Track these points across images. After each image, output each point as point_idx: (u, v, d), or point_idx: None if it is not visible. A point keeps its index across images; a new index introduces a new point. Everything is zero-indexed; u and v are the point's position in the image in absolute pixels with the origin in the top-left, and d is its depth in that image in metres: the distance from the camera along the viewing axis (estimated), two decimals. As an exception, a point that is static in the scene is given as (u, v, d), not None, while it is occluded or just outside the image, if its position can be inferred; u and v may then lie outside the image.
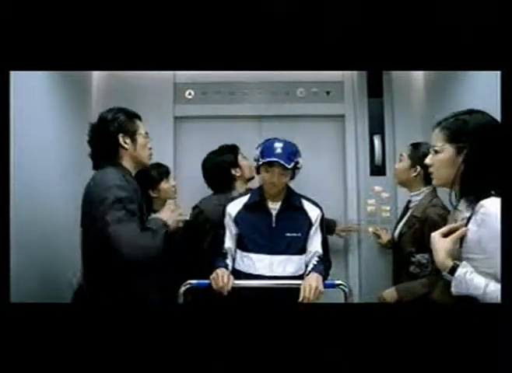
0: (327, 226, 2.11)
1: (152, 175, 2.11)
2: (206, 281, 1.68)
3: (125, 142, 1.62)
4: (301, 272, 1.79)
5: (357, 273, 2.65)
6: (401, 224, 2.05)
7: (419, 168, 1.95)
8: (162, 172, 2.17)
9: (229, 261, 1.83)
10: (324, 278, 1.71)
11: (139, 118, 1.71)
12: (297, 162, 1.80)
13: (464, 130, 1.18)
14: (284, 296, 1.65)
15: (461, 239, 1.14)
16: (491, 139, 1.15)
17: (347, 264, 2.69)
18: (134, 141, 1.64)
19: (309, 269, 1.77)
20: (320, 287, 1.62)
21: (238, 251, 1.85)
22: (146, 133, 1.70)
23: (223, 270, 1.72)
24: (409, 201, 2.08)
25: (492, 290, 1.04)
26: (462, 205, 1.20)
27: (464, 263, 1.12)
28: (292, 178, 1.85)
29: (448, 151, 1.20)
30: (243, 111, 2.76)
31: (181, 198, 2.36)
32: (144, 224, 1.55)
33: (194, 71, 2.63)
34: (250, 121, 2.78)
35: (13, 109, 1.37)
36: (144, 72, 2.58)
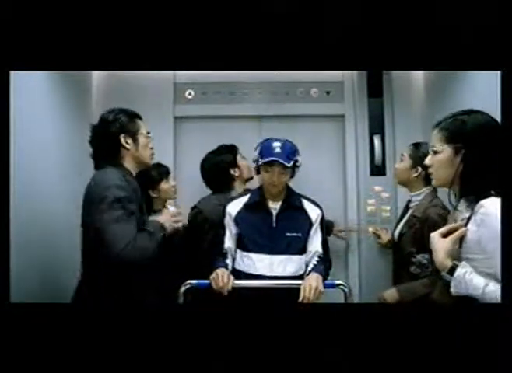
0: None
1: (152, 175, 2.11)
2: (206, 281, 1.68)
3: (127, 142, 1.63)
4: (301, 272, 1.79)
5: (357, 273, 2.65)
6: (402, 224, 2.05)
7: (420, 168, 1.94)
8: (162, 172, 2.17)
9: (229, 261, 1.83)
10: (324, 278, 1.71)
11: (140, 118, 1.71)
12: (296, 161, 1.81)
13: (462, 130, 1.18)
14: (284, 296, 1.65)
15: (461, 239, 1.14)
16: (489, 139, 1.15)
17: (347, 264, 2.69)
18: (135, 141, 1.65)
19: (309, 269, 1.77)
20: (321, 287, 1.62)
21: (238, 251, 1.85)
22: (148, 132, 1.70)
23: (223, 270, 1.72)
24: (409, 201, 2.07)
25: (491, 290, 1.05)
26: (462, 205, 1.20)
27: (463, 263, 1.12)
28: (291, 176, 1.85)
29: (446, 151, 1.21)
30: (243, 111, 2.76)
31: (181, 198, 2.36)
32: (144, 225, 1.55)
33: (194, 71, 2.63)
34: (250, 121, 2.78)
35: (13, 109, 1.37)
36: (144, 72, 2.58)
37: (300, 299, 1.58)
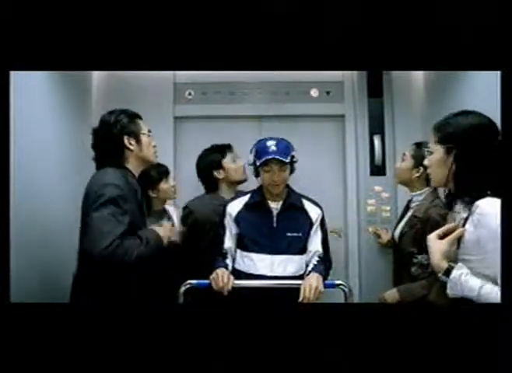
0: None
1: (152, 175, 2.11)
2: (206, 281, 1.68)
3: (131, 143, 1.62)
4: (302, 272, 1.79)
5: (357, 273, 2.65)
6: (402, 224, 2.05)
7: (421, 168, 1.92)
8: (161, 172, 2.17)
9: (229, 261, 1.83)
10: (325, 278, 1.72)
11: (140, 118, 1.71)
12: (293, 156, 1.82)
13: (453, 130, 1.19)
14: (284, 296, 1.65)
15: (459, 240, 1.14)
16: (481, 140, 1.15)
17: (347, 264, 2.69)
18: (138, 141, 1.64)
19: (309, 269, 1.77)
20: (321, 287, 1.62)
21: (238, 251, 1.85)
22: (149, 131, 1.70)
23: (223, 270, 1.72)
24: (410, 201, 2.07)
25: (486, 292, 1.04)
26: (459, 206, 1.20)
27: (459, 264, 1.12)
28: (291, 173, 1.86)
29: (439, 152, 1.21)
30: (243, 111, 2.76)
31: (181, 198, 2.36)
32: (145, 225, 1.55)
33: (194, 71, 2.63)
34: (250, 121, 2.78)
35: (13, 109, 1.37)
36: (144, 72, 2.57)
37: (300, 299, 1.58)
